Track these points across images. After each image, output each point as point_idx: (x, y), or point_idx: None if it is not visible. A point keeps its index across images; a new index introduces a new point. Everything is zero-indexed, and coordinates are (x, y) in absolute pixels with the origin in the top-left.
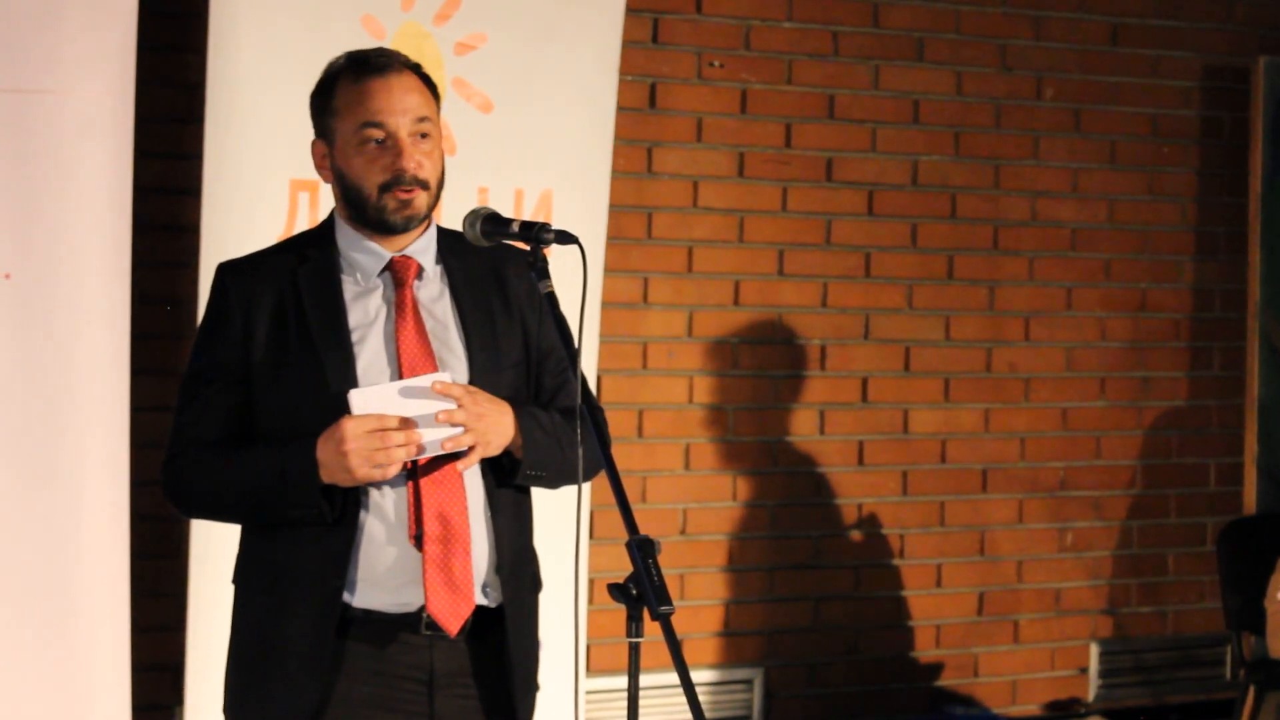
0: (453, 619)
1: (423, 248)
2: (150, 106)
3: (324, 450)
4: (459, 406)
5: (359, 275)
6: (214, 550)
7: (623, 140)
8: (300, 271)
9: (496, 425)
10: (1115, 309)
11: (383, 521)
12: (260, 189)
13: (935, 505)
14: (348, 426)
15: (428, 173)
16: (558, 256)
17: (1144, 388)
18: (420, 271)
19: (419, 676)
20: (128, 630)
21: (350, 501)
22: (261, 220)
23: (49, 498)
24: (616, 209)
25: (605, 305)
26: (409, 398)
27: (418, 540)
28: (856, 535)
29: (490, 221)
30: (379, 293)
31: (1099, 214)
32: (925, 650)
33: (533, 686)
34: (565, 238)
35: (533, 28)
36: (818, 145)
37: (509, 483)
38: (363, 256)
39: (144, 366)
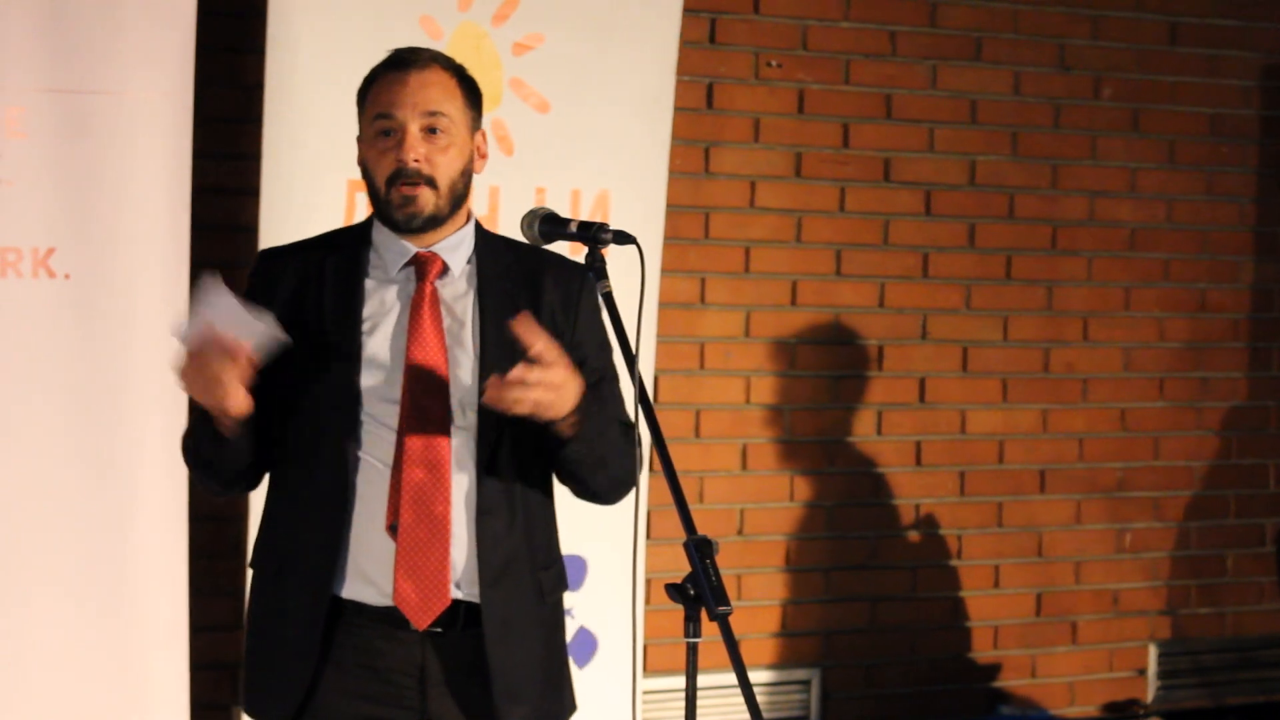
0: (420, 612)
1: (452, 245)
2: (209, 107)
3: None
4: (549, 366)
5: (383, 269)
6: None
7: (680, 140)
8: (328, 261)
9: (565, 394)
10: (1174, 309)
11: (368, 511)
12: (318, 189)
13: (993, 506)
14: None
15: (436, 169)
16: (615, 257)
17: (1203, 388)
18: (445, 269)
19: (410, 672)
20: (186, 629)
21: (345, 488)
22: (319, 220)
23: (109, 498)
24: (673, 209)
25: (662, 305)
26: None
27: (393, 530)
28: (914, 536)
29: (548, 221)
30: (398, 286)
31: (1157, 214)
32: (983, 651)
33: (543, 704)
34: (623, 238)
35: (590, 28)
36: (875, 145)
37: (505, 479)
38: (389, 251)
39: None
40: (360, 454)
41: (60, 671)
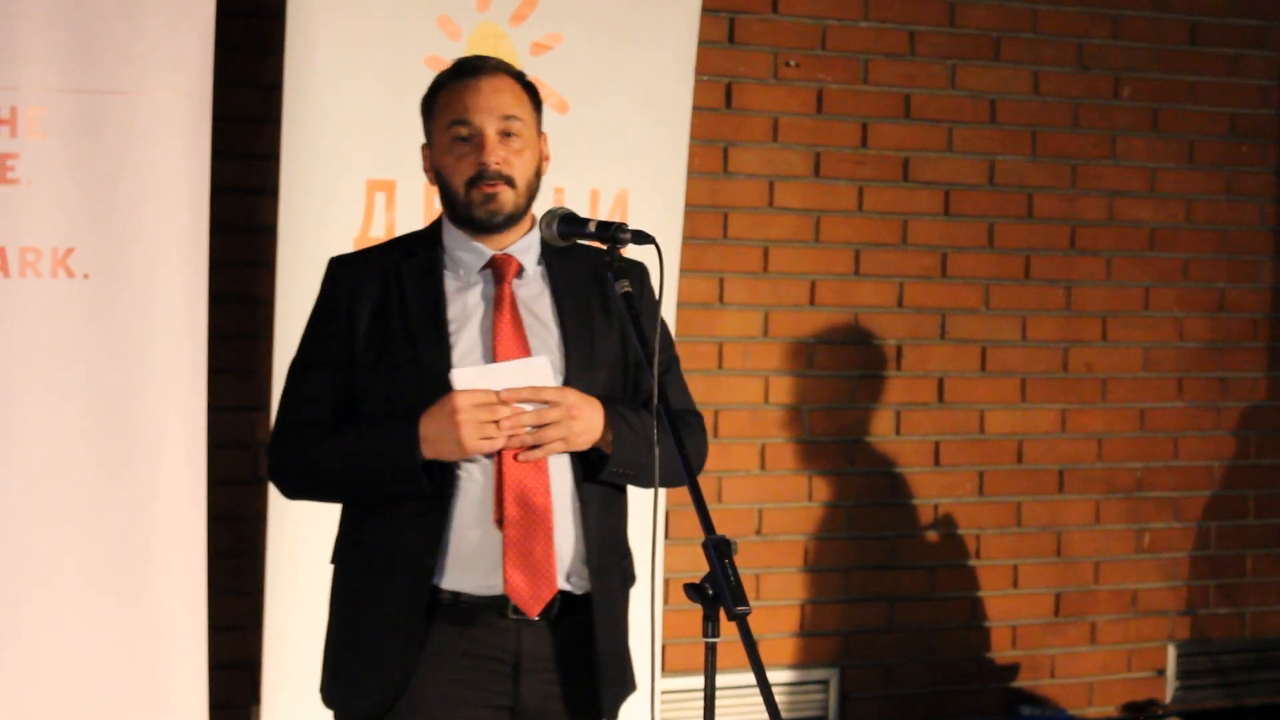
0: (532, 601)
1: (525, 247)
2: (228, 107)
3: (432, 423)
4: (553, 406)
5: (461, 271)
6: (290, 550)
7: (698, 140)
8: (405, 266)
9: (587, 423)
10: (1193, 309)
11: (471, 505)
12: (337, 189)
13: (1012, 506)
14: (459, 399)
15: (514, 170)
16: (634, 256)
17: (1222, 388)
18: (520, 270)
19: (505, 659)
20: (205, 629)
21: (446, 483)
22: (338, 221)
23: (128, 497)
24: (692, 209)
25: (681, 305)
26: (506, 380)
27: (499, 523)
28: (933, 536)
29: (567, 221)
30: (479, 289)
31: (1177, 214)
32: (1001, 651)
33: (624, 684)
34: (642, 238)
35: (609, 28)
36: (894, 145)
37: (596, 477)
38: (465, 254)
39: (221, 366)
40: None
41: (80, 670)
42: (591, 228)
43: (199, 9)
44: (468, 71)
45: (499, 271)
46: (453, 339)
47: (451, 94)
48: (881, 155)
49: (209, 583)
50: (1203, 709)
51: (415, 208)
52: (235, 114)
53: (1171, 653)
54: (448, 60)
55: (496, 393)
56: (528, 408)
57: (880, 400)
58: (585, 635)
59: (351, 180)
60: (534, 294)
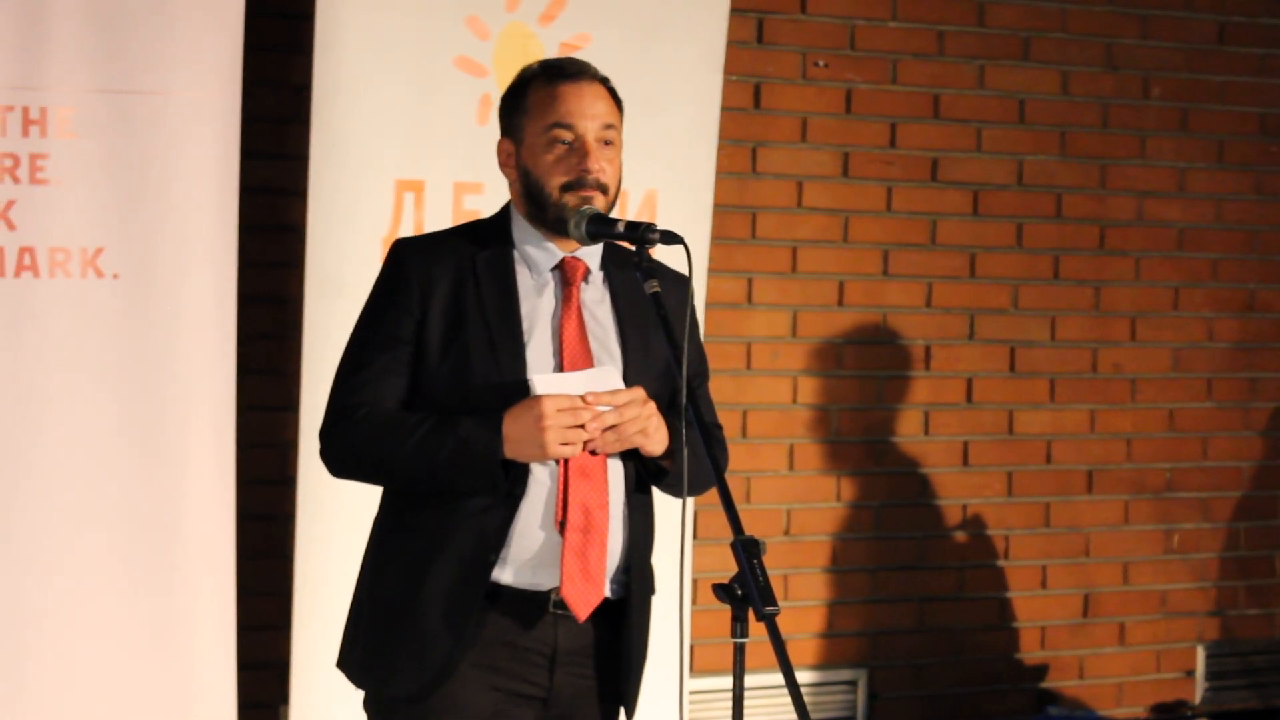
0: (582, 605)
1: (591, 251)
2: (256, 107)
3: (516, 425)
4: (629, 403)
5: (532, 269)
6: (320, 550)
7: (727, 140)
8: (479, 257)
9: (659, 430)
10: (1223, 309)
11: (536, 506)
12: (365, 189)
13: (1040, 506)
14: (546, 404)
15: (608, 178)
16: (662, 256)
17: (1252, 388)
18: (587, 274)
19: (543, 650)
20: (234, 628)
21: (517, 483)
22: (367, 220)
23: (157, 497)
24: (721, 209)
25: (709, 306)
26: (584, 387)
27: (562, 526)
28: (961, 536)
29: (596, 221)
30: (550, 288)
31: (1206, 213)
32: (1030, 652)
33: (641, 681)
34: (671, 238)
35: (637, 28)
36: (922, 145)
37: (650, 485)
38: (537, 252)
39: (250, 366)
40: None
41: (109, 669)
42: (620, 228)
43: (228, 9)
44: (568, 74)
45: (568, 274)
46: (524, 338)
47: (552, 94)
48: (910, 155)
49: (238, 582)
50: (1232, 710)
51: (444, 207)
52: (264, 114)
53: (1201, 654)
54: (477, 60)
55: (581, 396)
56: (604, 408)
57: (908, 400)
58: (615, 633)
59: (380, 180)
60: (596, 299)
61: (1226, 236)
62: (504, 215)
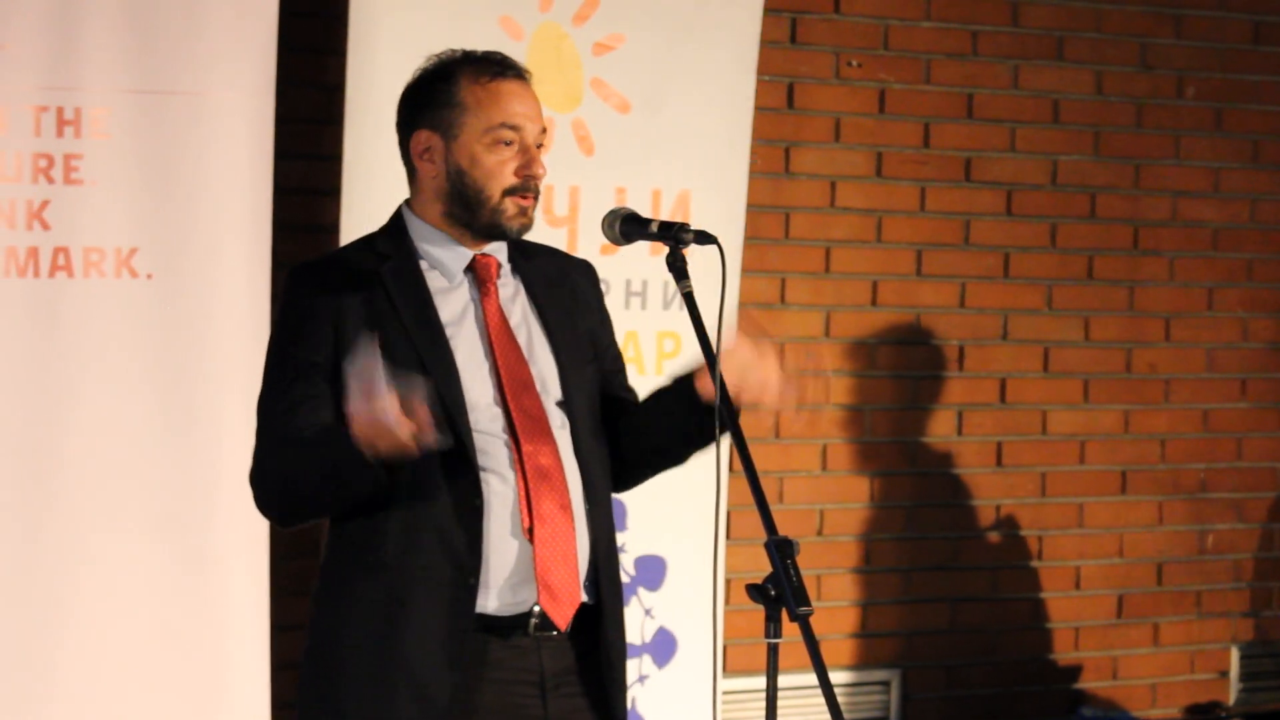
0: (560, 615)
1: (499, 247)
2: (290, 108)
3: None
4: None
5: (442, 272)
6: None
7: (760, 140)
8: (384, 269)
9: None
10: (1257, 309)
11: (502, 517)
12: (399, 190)
13: (1074, 507)
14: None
15: (541, 182)
16: (695, 257)
17: None
18: (499, 270)
19: (531, 679)
20: (267, 629)
21: (473, 496)
22: None
23: (190, 500)
24: (753, 209)
25: (742, 305)
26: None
27: (530, 533)
28: (994, 537)
29: (629, 222)
30: (464, 289)
31: (1241, 214)
32: (1064, 653)
33: (624, 685)
34: (704, 238)
35: (671, 28)
36: (956, 145)
37: (601, 487)
38: (445, 254)
39: None
40: (480, 462)
41: (142, 669)
42: (654, 228)
43: (262, 10)
44: (511, 71)
45: (482, 273)
46: (451, 343)
47: (495, 92)
48: (944, 155)
49: (272, 583)
50: (1267, 711)
51: None
52: (298, 115)
53: (1235, 655)
54: None
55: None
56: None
57: (942, 401)
58: (596, 644)
59: None
60: (510, 294)
61: (1261, 236)
62: (399, 220)
